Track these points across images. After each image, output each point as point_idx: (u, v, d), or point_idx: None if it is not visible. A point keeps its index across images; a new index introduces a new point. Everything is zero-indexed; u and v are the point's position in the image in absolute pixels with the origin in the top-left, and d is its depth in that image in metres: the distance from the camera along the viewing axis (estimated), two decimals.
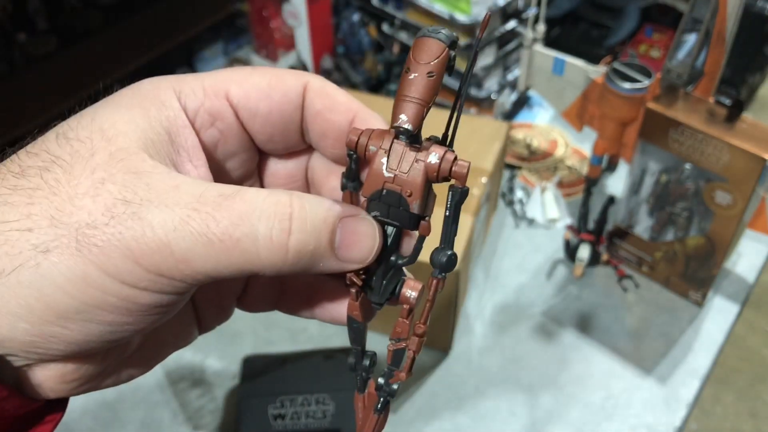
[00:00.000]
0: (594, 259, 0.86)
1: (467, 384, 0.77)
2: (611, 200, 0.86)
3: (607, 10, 1.20)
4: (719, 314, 0.83)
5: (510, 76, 1.07)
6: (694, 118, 0.71)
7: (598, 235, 0.85)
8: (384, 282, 0.29)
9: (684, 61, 0.74)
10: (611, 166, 0.98)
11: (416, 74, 0.26)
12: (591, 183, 0.94)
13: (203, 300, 0.30)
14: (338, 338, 0.80)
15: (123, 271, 0.21)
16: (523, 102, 1.09)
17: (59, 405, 0.26)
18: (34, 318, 0.22)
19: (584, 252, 0.84)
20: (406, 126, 0.25)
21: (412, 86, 0.26)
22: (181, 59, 1.19)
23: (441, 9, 0.97)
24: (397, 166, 0.26)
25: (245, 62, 1.18)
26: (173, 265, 0.22)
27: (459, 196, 0.27)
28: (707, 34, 0.73)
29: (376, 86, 1.09)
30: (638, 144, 0.77)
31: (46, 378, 0.24)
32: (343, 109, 0.28)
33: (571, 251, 0.87)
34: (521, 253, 0.90)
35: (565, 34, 1.19)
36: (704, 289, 0.81)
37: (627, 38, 1.18)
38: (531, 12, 0.98)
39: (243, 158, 0.28)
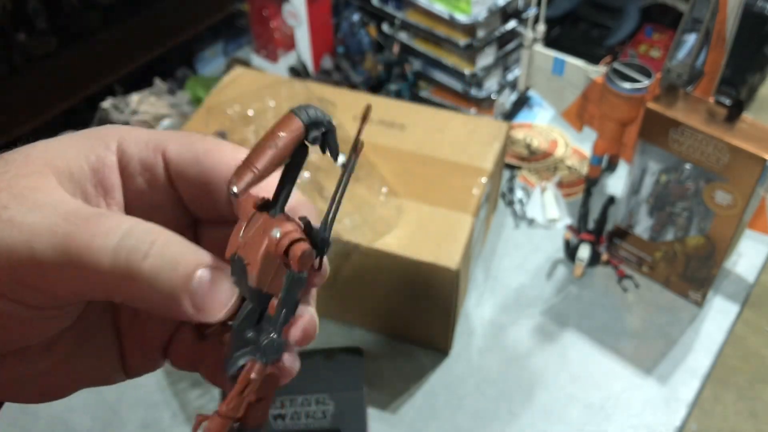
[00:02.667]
0: (594, 259, 0.86)
1: (467, 384, 0.77)
2: (611, 200, 0.86)
3: (607, 10, 1.20)
4: (719, 314, 0.83)
5: (510, 76, 1.07)
6: (694, 118, 0.71)
7: (598, 235, 0.86)
8: (234, 354, 0.27)
9: (684, 61, 0.74)
10: (611, 166, 0.98)
11: (264, 142, 0.25)
12: (591, 183, 0.94)
13: (128, 344, 0.30)
14: (338, 338, 0.80)
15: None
16: (523, 102, 1.09)
17: None
18: None
19: (584, 252, 0.84)
20: (232, 189, 0.25)
21: (255, 153, 0.25)
22: (181, 59, 1.19)
23: (441, 9, 0.97)
24: (250, 231, 0.26)
25: (245, 62, 1.18)
26: (36, 276, 0.22)
27: (289, 282, 0.26)
28: (707, 34, 0.73)
29: (376, 86, 1.09)
30: (638, 144, 0.77)
31: None
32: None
33: (571, 251, 0.87)
34: (521, 253, 0.90)
35: (565, 34, 1.19)
36: (704, 289, 0.81)
37: (627, 38, 1.18)
38: (531, 12, 0.98)
39: (169, 216, 0.29)
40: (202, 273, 0.24)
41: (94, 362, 0.29)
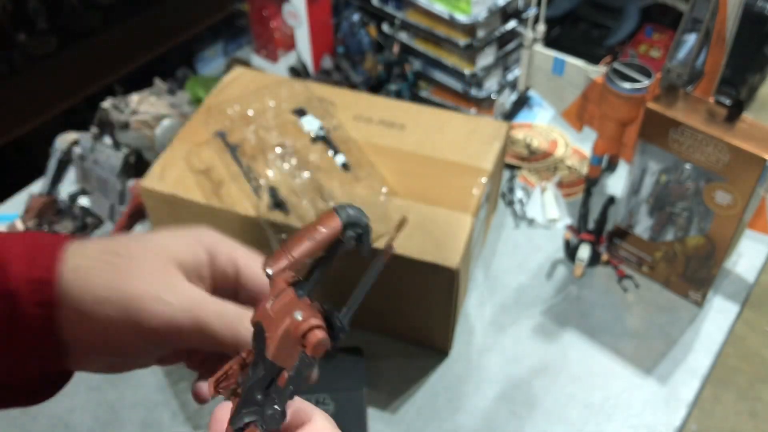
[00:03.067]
0: (594, 259, 0.86)
1: (467, 384, 0.77)
2: (611, 200, 0.86)
3: (607, 10, 1.20)
4: (719, 314, 0.83)
5: (510, 76, 1.07)
6: (694, 118, 0.71)
7: (598, 235, 0.86)
8: (241, 410, 0.30)
9: (684, 61, 0.74)
10: (611, 166, 0.98)
11: (304, 233, 0.30)
12: (591, 183, 0.94)
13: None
14: None
15: (146, 320, 0.37)
16: (523, 102, 1.09)
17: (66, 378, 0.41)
18: (93, 333, 0.38)
19: (584, 252, 0.84)
20: (267, 270, 0.29)
21: (293, 241, 0.29)
22: (181, 59, 1.19)
23: (441, 9, 0.97)
24: (276, 306, 0.28)
25: (245, 62, 1.18)
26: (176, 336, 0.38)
27: (301, 362, 0.28)
28: (707, 34, 0.73)
29: (376, 86, 1.09)
30: (638, 144, 0.77)
31: (76, 362, 0.39)
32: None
33: (571, 251, 0.87)
34: (521, 253, 0.90)
35: (565, 34, 1.19)
36: (704, 289, 0.81)
37: (627, 38, 1.18)
38: (531, 12, 0.98)
39: (228, 294, 0.42)
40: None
41: (144, 356, 0.42)
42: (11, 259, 0.35)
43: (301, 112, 0.83)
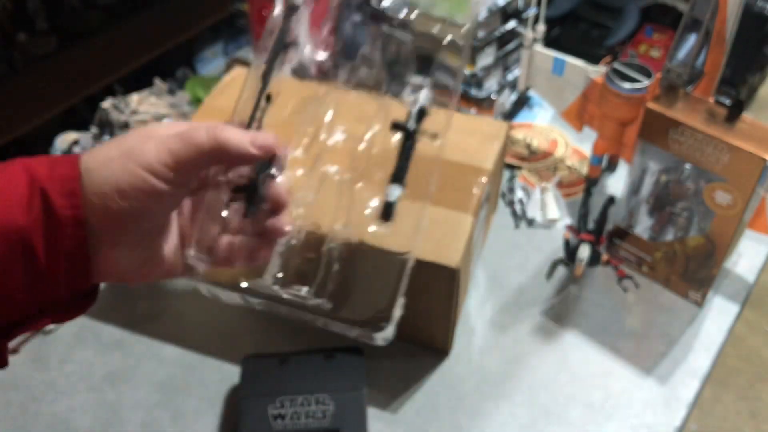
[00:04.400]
0: (594, 259, 0.86)
1: (467, 384, 0.77)
2: (611, 200, 0.86)
3: (607, 10, 1.20)
4: (719, 314, 0.83)
5: (510, 76, 1.07)
6: (694, 118, 0.72)
7: (598, 235, 0.86)
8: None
9: (684, 61, 0.74)
10: (611, 166, 0.98)
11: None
12: (591, 183, 0.94)
13: (186, 240, 0.49)
14: (338, 338, 0.80)
15: (149, 166, 0.42)
16: (523, 102, 1.09)
17: (93, 295, 0.46)
18: (108, 198, 0.41)
19: (584, 252, 0.84)
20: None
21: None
22: (181, 59, 1.19)
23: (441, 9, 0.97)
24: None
25: (245, 62, 1.18)
26: (171, 159, 0.42)
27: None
28: (707, 34, 0.73)
29: None
30: (638, 144, 0.77)
31: (107, 260, 0.43)
32: None
33: (571, 251, 0.87)
34: (521, 253, 0.90)
35: (565, 34, 1.19)
36: (704, 289, 0.81)
37: (627, 38, 1.18)
38: (531, 12, 0.98)
39: None
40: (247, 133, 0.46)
41: (169, 251, 0.47)
42: (36, 166, 0.41)
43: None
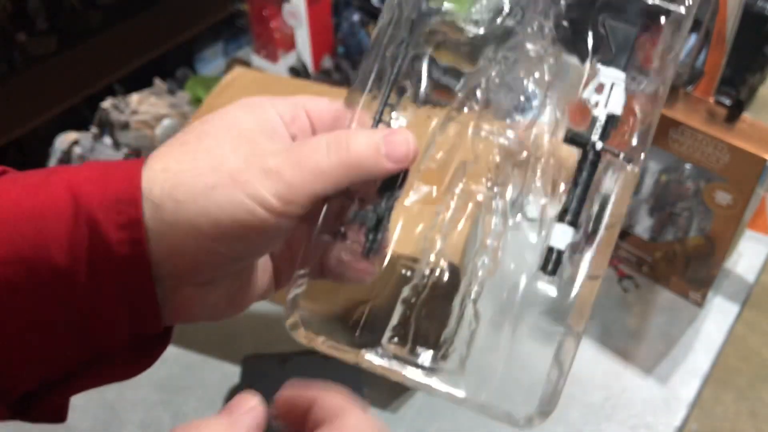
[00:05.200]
0: None
1: None
2: None
3: None
4: (719, 314, 0.83)
5: None
6: (694, 118, 0.71)
7: None
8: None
9: (684, 61, 0.74)
10: None
11: None
12: None
13: (281, 260, 0.40)
14: None
15: (260, 198, 0.32)
16: None
17: (165, 339, 0.36)
18: (200, 236, 0.31)
19: None
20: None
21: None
22: (181, 59, 1.19)
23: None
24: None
25: (245, 62, 1.18)
26: (287, 190, 0.32)
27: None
28: (707, 34, 0.73)
29: None
30: None
31: (184, 301, 0.34)
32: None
33: None
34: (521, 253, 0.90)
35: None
36: (704, 289, 0.81)
37: None
38: None
39: None
40: (386, 138, 0.35)
41: (263, 278, 0.39)
42: (82, 181, 0.31)
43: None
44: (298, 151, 0.33)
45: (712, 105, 0.73)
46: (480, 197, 0.40)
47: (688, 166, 0.74)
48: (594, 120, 0.37)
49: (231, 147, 0.33)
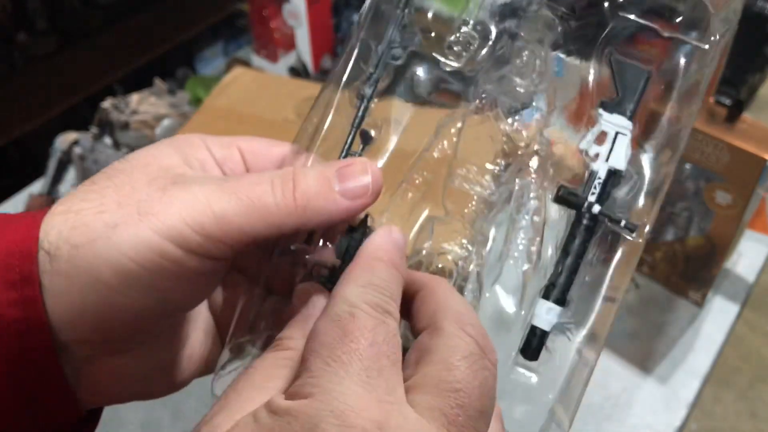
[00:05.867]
0: None
1: None
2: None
3: None
4: (719, 314, 0.83)
5: None
6: None
7: None
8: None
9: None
10: None
11: None
12: None
13: (222, 315, 0.33)
14: None
15: (175, 233, 0.26)
16: None
17: (91, 422, 0.30)
18: (103, 288, 0.25)
19: None
20: None
21: None
22: (181, 59, 1.19)
23: (441, 9, 0.97)
24: None
25: (245, 62, 1.19)
26: (214, 223, 0.26)
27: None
28: None
29: None
30: None
31: (102, 376, 0.28)
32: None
33: None
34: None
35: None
36: (704, 289, 0.81)
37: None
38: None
39: None
40: (340, 170, 0.29)
41: (202, 343, 0.33)
42: None
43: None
44: (234, 181, 0.27)
45: (712, 105, 0.73)
46: (450, 258, 0.33)
47: (688, 166, 0.74)
48: (592, 175, 0.30)
49: (146, 180, 0.27)
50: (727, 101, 0.71)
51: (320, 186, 0.28)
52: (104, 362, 0.28)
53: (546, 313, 0.30)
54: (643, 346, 0.80)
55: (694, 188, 0.74)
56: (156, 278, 0.26)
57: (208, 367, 0.34)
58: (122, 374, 0.29)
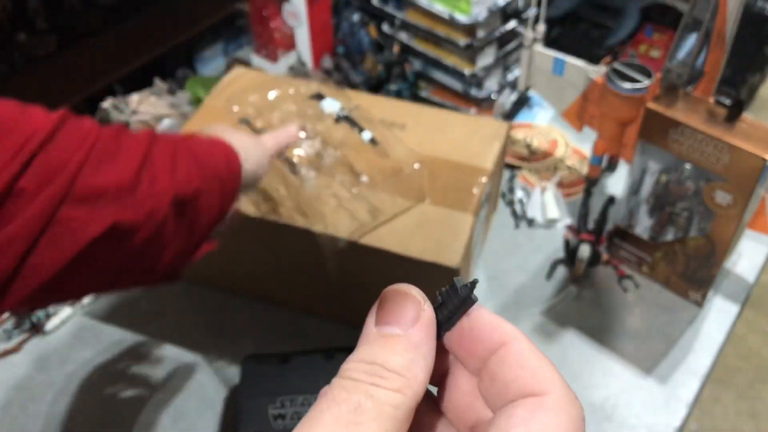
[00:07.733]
0: (594, 260, 0.86)
1: None
2: (611, 200, 0.86)
3: (607, 10, 1.20)
4: (719, 314, 0.83)
5: (510, 76, 1.07)
6: (694, 118, 0.71)
7: (598, 235, 0.85)
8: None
9: (684, 61, 0.74)
10: (611, 166, 0.98)
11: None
12: (591, 183, 0.94)
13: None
14: (338, 338, 0.80)
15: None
16: (523, 102, 1.09)
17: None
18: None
19: (584, 252, 0.84)
20: None
21: None
22: (181, 59, 1.19)
23: (441, 9, 0.97)
24: None
25: (245, 62, 1.18)
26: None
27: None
28: (707, 34, 0.73)
29: (376, 86, 1.09)
30: (638, 144, 0.77)
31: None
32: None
33: (571, 251, 0.86)
34: (521, 253, 0.90)
35: (565, 34, 1.19)
36: (704, 289, 0.81)
37: (627, 38, 1.18)
38: (531, 12, 0.98)
39: None
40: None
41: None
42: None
43: (319, 96, 0.83)
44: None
45: (712, 105, 0.73)
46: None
47: (688, 166, 0.74)
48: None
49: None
50: (727, 101, 0.71)
51: None
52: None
53: None
54: (643, 346, 0.80)
55: (694, 188, 0.74)
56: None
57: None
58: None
